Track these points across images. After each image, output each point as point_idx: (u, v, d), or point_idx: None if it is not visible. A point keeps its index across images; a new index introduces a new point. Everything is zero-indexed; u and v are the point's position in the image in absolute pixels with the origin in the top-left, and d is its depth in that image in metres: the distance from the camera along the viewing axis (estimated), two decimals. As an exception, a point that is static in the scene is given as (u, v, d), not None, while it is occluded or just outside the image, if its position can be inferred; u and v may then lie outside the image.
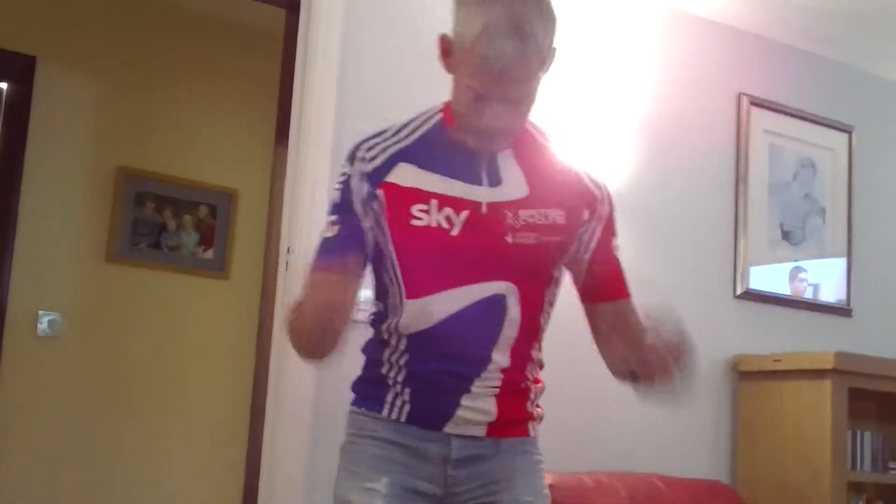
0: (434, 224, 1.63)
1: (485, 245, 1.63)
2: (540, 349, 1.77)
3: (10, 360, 3.64)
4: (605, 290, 1.76)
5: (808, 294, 3.71)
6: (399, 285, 1.67)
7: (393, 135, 1.69)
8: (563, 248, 1.70)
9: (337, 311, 1.53)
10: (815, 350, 3.31)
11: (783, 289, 3.64)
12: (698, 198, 3.48)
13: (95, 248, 3.91)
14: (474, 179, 1.66)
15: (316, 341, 1.59)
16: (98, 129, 3.96)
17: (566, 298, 1.78)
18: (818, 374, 3.14)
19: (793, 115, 3.70)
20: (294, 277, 2.79)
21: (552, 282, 1.74)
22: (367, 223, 1.65)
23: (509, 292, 1.65)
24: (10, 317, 3.66)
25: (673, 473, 3.09)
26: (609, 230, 1.76)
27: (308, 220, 2.76)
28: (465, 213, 1.63)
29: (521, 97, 1.59)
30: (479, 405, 1.67)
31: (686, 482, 3.04)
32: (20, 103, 3.78)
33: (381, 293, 1.73)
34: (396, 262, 1.66)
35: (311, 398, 2.72)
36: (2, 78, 3.80)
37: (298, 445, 2.71)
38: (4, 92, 3.81)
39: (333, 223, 1.66)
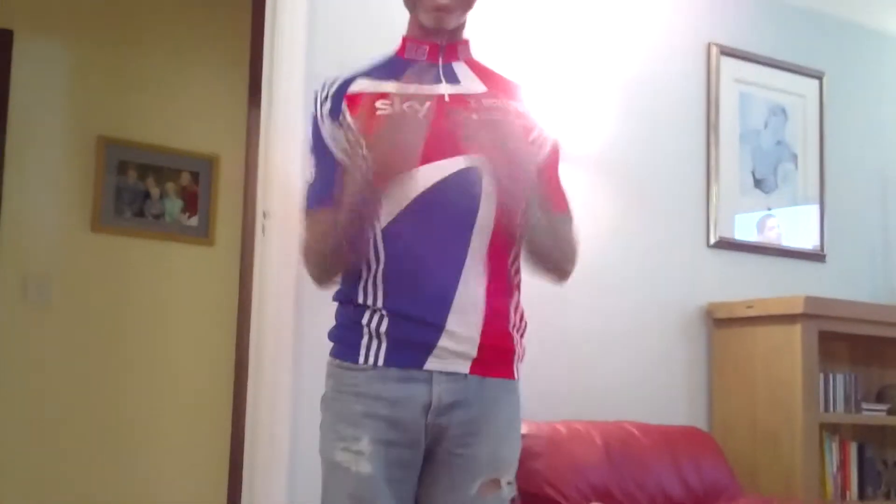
0: (398, 111, 1.64)
1: (452, 121, 1.66)
2: (517, 258, 1.77)
3: (1, 327, 3.71)
4: (550, 202, 1.76)
5: (780, 241, 3.74)
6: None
7: (349, 71, 1.80)
8: (528, 131, 1.75)
9: (336, 239, 1.65)
10: (789, 295, 3.36)
11: (757, 236, 3.69)
12: (669, 148, 3.51)
13: (81, 218, 3.95)
14: (433, 81, 1.73)
15: (329, 262, 1.71)
16: (76, 100, 3.99)
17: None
18: (789, 318, 3.20)
19: (763, 63, 3.73)
20: (272, 242, 2.84)
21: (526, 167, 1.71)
22: (340, 153, 1.67)
23: (482, 165, 1.67)
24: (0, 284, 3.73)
25: (650, 421, 3.14)
26: (553, 160, 1.81)
27: (283, 182, 2.78)
28: (428, 103, 1.65)
29: None
30: (460, 331, 1.66)
31: (662, 428, 3.07)
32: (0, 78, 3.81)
33: None
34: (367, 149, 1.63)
35: (291, 356, 2.76)
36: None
37: (281, 401, 2.75)
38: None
39: (313, 166, 1.77)
